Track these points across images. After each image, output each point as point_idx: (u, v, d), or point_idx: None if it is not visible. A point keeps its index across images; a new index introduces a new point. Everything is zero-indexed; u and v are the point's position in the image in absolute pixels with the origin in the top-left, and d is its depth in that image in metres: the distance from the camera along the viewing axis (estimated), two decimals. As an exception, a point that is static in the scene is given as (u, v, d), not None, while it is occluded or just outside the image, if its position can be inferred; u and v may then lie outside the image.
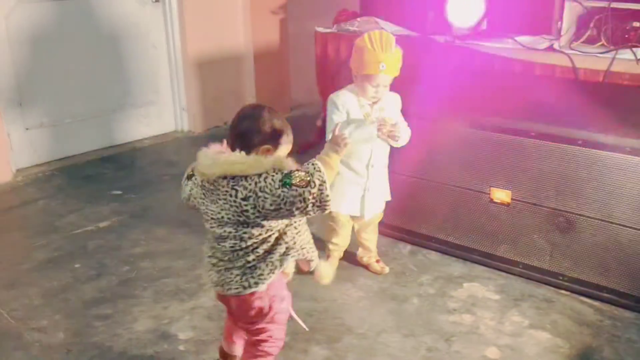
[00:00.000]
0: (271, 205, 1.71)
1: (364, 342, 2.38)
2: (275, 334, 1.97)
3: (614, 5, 3.23)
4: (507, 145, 2.69)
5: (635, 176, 2.41)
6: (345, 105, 2.57)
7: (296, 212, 1.74)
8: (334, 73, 4.27)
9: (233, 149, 1.79)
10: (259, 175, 1.72)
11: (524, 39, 3.61)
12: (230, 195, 1.74)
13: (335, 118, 2.56)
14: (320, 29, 4.24)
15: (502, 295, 2.67)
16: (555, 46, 3.45)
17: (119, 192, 3.80)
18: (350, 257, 2.95)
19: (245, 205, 1.73)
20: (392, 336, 2.42)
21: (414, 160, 2.90)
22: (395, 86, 2.61)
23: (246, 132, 1.79)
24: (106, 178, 4.01)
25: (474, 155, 2.78)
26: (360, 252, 2.91)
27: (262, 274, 1.83)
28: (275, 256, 1.84)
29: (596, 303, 2.59)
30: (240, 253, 1.82)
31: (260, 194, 1.71)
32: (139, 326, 2.51)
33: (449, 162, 2.86)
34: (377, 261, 2.88)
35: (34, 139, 4.16)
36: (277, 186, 1.70)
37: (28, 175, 4.04)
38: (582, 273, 2.63)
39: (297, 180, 1.71)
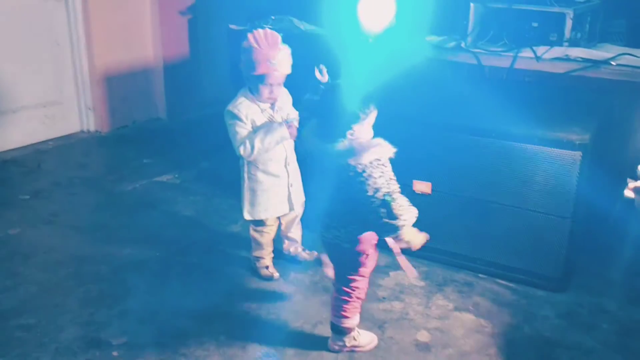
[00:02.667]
0: (360, 199, 2.00)
1: (301, 335, 2.43)
2: (361, 284, 2.26)
3: (515, 6, 3.47)
4: (427, 138, 2.82)
5: (545, 165, 2.61)
6: (248, 115, 2.54)
7: (370, 217, 2.03)
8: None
9: (320, 134, 2.08)
10: (360, 165, 1.98)
11: (433, 38, 3.79)
12: (335, 174, 2.04)
13: (241, 131, 2.53)
14: (234, 27, 4.22)
15: (426, 282, 2.81)
16: (463, 45, 3.65)
17: (26, 197, 3.60)
18: (276, 253, 2.98)
19: (344, 185, 2.02)
20: (328, 327, 2.45)
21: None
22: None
23: (332, 124, 2.03)
24: (11, 182, 3.79)
25: (397, 148, 2.88)
26: (286, 244, 2.95)
27: (350, 237, 2.14)
28: (359, 226, 2.12)
29: (512, 284, 2.78)
30: (334, 216, 2.15)
31: (357, 185, 1.99)
32: (66, 334, 2.41)
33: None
34: (303, 249, 2.94)
35: None
36: (371, 191, 1.98)
37: None
38: (498, 257, 2.81)
39: (394, 206, 1.99)
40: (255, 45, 2.49)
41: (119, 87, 4.71)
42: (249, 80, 2.57)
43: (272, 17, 4.10)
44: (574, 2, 3.45)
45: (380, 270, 2.88)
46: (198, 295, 2.68)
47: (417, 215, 2.07)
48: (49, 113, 4.48)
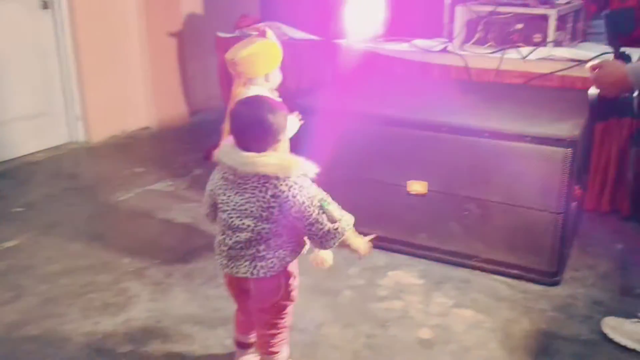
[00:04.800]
0: (295, 212, 1.87)
1: (306, 337, 2.46)
2: (290, 309, 2.11)
3: (500, 9, 3.55)
4: (422, 140, 2.88)
5: (536, 162, 2.67)
6: None
7: (306, 231, 1.91)
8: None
9: (244, 147, 1.89)
10: (289, 179, 1.86)
11: (420, 42, 3.86)
12: (260, 192, 1.87)
13: None
14: (222, 34, 4.26)
15: (424, 280, 2.86)
16: (449, 48, 3.72)
17: (20, 209, 3.59)
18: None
19: (273, 202, 1.87)
20: (331, 328, 2.52)
21: (334, 158, 3.01)
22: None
23: (257, 136, 1.89)
24: (4, 195, 3.77)
25: (392, 150, 2.95)
26: None
27: (272, 266, 1.95)
28: (286, 251, 1.97)
29: (508, 280, 2.84)
30: (253, 243, 1.94)
31: (290, 198, 1.86)
32: (71, 344, 2.42)
33: (368, 159, 3.01)
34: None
35: None
36: (308, 201, 1.86)
37: None
38: (493, 254, 2.88)
39: (331, 210, 1.89)
40: None
41: (107, 97, 4.71)
42: None
43: (260, 24, 4.14)
44: (557, 3, 3.55)
45: (378, 271, 2.94)
46: (201, 301, 2.71)
47: (354, 220, 1.97)
48: (38, 124, 4.46)
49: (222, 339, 2.46)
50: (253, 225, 1.92)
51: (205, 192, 2.09)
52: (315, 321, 2.56)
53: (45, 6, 4.32)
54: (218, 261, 2.06)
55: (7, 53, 4.19)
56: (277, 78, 2.63)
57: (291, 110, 2.68)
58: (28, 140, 4.42)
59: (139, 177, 4.08)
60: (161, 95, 4.99)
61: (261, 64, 2.55)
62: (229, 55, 2.57)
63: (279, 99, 2.63)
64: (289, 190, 1.86)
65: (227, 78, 4.41)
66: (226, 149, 1.93)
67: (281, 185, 1.86)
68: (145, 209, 3.61)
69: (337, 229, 1.91)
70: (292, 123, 2.63)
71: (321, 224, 1.89)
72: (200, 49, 5.13)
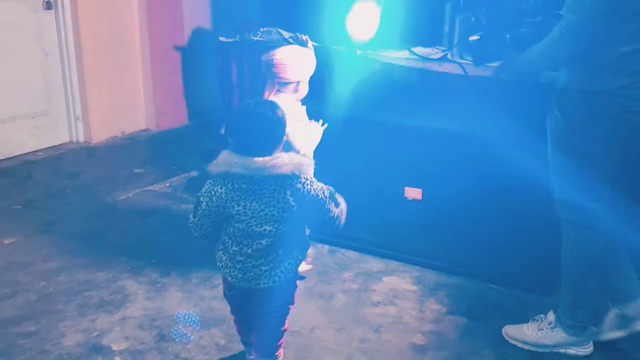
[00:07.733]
0: (314, 206, 1.99)
1: (299, 340, 2.48)
2: (291, 310, 2.20)
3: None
4: (418, 145, 2.91)
5: (530, 171, 2.67)
6: None
7: (319, 219, 2.04)
8: (237, 81, 4.33)
9: (253, 152, 1.91)
10: (303, 175, 1.95)
11: (419, 49, 3.88)
12: (279, 193, 1.93)
13: None
14: (223, 39, 4.28)
15: (419, 286, 2.88)
16: (448, 56, 3.75)
17: (19, 207, 3.61)
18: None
19: (292, 201, 1.94)
20: (325, 331, 2.54)
21: (329, 163, 3.03)
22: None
23: (267, 138, 1.96)
24: (2, 193, 3.79)
25: (389, 156, 2.98)
26: None
27: (291, 268, 2.06)
28: (297, 250, 2.07)
29: (502, 288, 2.86)
30: (273, 247, 2.00)
31: (306, 194, 1.96)
32: (67, 341, 2.44)
33: (364, 164, 3.03)
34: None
35: None
36: (321, 192, 1.99)
37: None
38: (488, 261, 2.90)
39: (336, 198, 2.07)
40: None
41: (108, 98, 4.74)
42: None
43: (261, 29, 4.16)
44: (555, 13, 3.57)
45: (373, 276, 2.96)
46: (196, 301, 2.73)
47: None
48: (38, 124, 4.48)
49: (217, 339, 2.48)
50: (274, 229, 1.97)
51: (200, 211, 2.05)
52: (309, 324, 2.58)
53: (48, 6, 4.34)
54: (228, 275, 2.05)
55: (11, 52, 4.21)
56: (305, 90, 2.66)
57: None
58: (28, 140, 4.43)
59: (138, 177, 4.10)
60: (161, 98, 5.01)
61: (297, 69, 2.60)
62: (266, 56, 2.61)
63: (303, 108, 2.69)
64: (305, 187, 1.95)
65: (227, 82, 4.44)
66: (231, 161, 1.92)
67: (297, 183, 1.94)
68: (143, 209, 3.63)
69: (341, 212, 2.08)
70: (316, 131, 2.67)
71: (331, 211, 2.03)
72: (201, 52, 5.15)
